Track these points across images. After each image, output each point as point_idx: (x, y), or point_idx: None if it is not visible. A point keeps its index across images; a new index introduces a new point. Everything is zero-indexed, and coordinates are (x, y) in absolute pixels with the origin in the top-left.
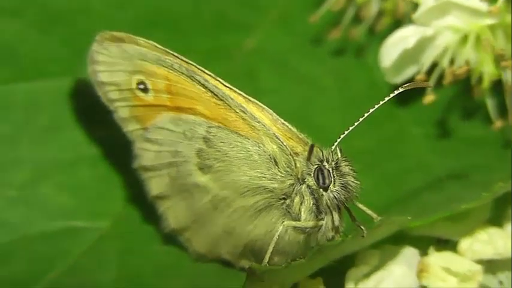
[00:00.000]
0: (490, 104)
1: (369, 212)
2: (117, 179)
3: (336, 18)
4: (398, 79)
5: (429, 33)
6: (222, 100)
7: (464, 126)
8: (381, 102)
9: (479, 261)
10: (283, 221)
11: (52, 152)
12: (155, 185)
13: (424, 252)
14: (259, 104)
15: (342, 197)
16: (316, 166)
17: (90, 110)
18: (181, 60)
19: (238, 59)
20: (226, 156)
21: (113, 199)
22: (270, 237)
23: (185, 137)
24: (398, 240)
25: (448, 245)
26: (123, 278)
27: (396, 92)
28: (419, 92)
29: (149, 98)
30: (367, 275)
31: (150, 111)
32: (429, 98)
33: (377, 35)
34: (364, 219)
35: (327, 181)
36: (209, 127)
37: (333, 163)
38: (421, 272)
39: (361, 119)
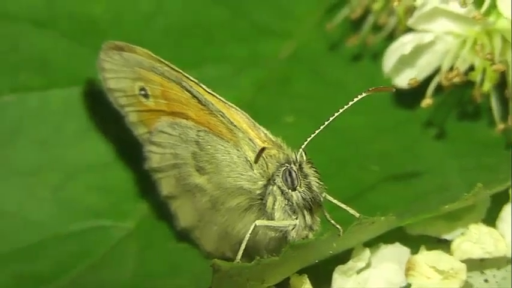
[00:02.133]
0: (494, 107)
1: (352, 211)
2: (144, 180)
3: (355, 25)
4: (400, 82)
5: (427, 40)
6: (205, 105)
7: (473, 128)
8: (345, 107)
9: (470, 260)
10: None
11: (83, 155)
12: (164, 186)
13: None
14: (238, 109)
15: (308, 197)
16: (284, 168)
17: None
18: (170, 67)
19: (274, 65)
20: (214, 159)
21: (139, 200)
22: (259, 235)
23: (182, 140)
24: (396, 239)
25: (446, 244)
26: (139, 275)
27: (360, 97)
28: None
29: (150, 103)
30: (357, 272)
31: (153, 116)
32: (426, 101)
33: None
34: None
35: (295, 182)
36: (198, 131)
37: (298, 165)
38: (408, 270)
39: (326, 123)
